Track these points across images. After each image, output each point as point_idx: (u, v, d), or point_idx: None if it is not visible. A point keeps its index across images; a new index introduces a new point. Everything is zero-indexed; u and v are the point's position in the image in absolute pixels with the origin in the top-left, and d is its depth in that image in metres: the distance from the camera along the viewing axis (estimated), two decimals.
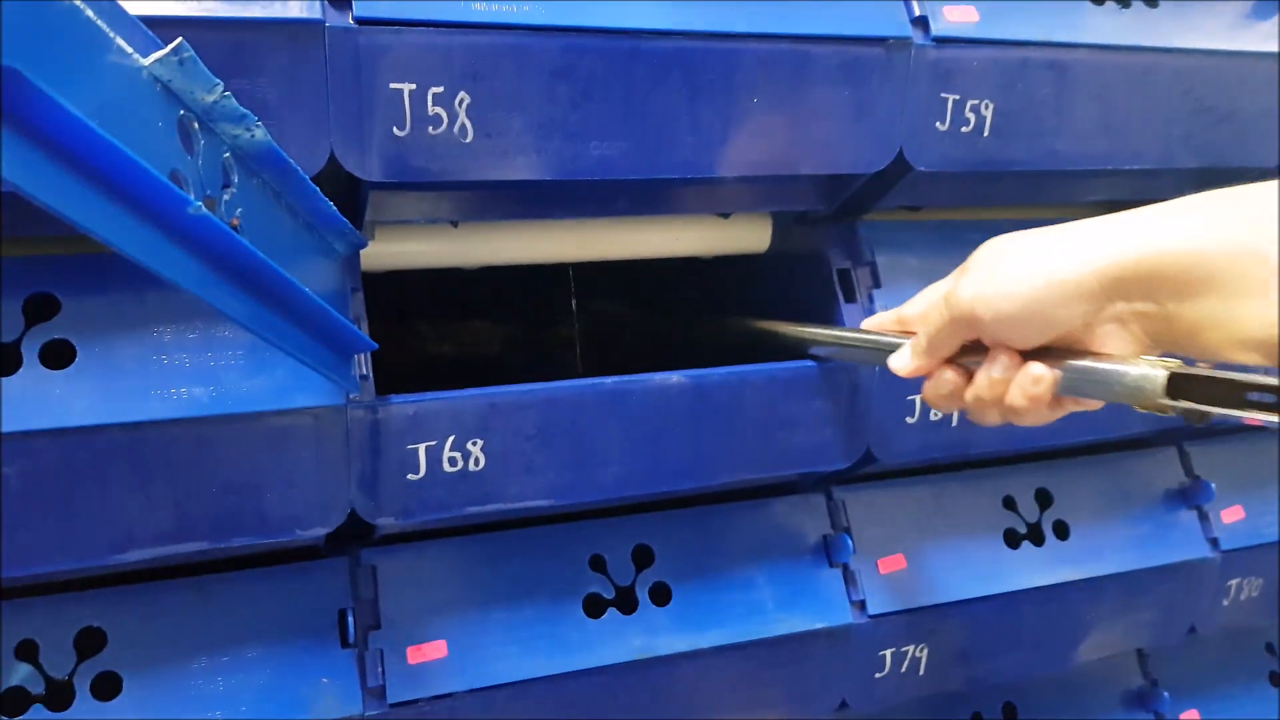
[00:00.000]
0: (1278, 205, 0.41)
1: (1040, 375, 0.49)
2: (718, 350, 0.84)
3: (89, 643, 0.57)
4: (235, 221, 0.43)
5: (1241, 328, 0.42)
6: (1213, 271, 0.42)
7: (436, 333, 0.93)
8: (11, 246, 0.53)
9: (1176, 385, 0.45)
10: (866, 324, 0.62)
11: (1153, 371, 0.46)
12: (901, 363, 0.55)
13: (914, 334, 0.56)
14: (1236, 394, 0.43)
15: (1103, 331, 0.47)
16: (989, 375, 0.50)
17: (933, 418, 0.71)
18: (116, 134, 0.32)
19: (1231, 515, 0.85)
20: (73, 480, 0.51)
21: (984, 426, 0.53)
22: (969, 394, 0.52)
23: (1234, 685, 0.93)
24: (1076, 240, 0.47)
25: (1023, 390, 0.49)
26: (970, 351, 0.52)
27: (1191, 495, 0.84)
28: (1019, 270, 0.48)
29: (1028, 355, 0.49)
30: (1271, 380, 0.42)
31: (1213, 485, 0.83)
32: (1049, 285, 0.46)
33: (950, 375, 0.53)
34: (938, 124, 0.64)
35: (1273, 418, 0.42)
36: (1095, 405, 0.51)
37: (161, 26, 0.45)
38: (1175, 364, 0.46)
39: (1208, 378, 0.44)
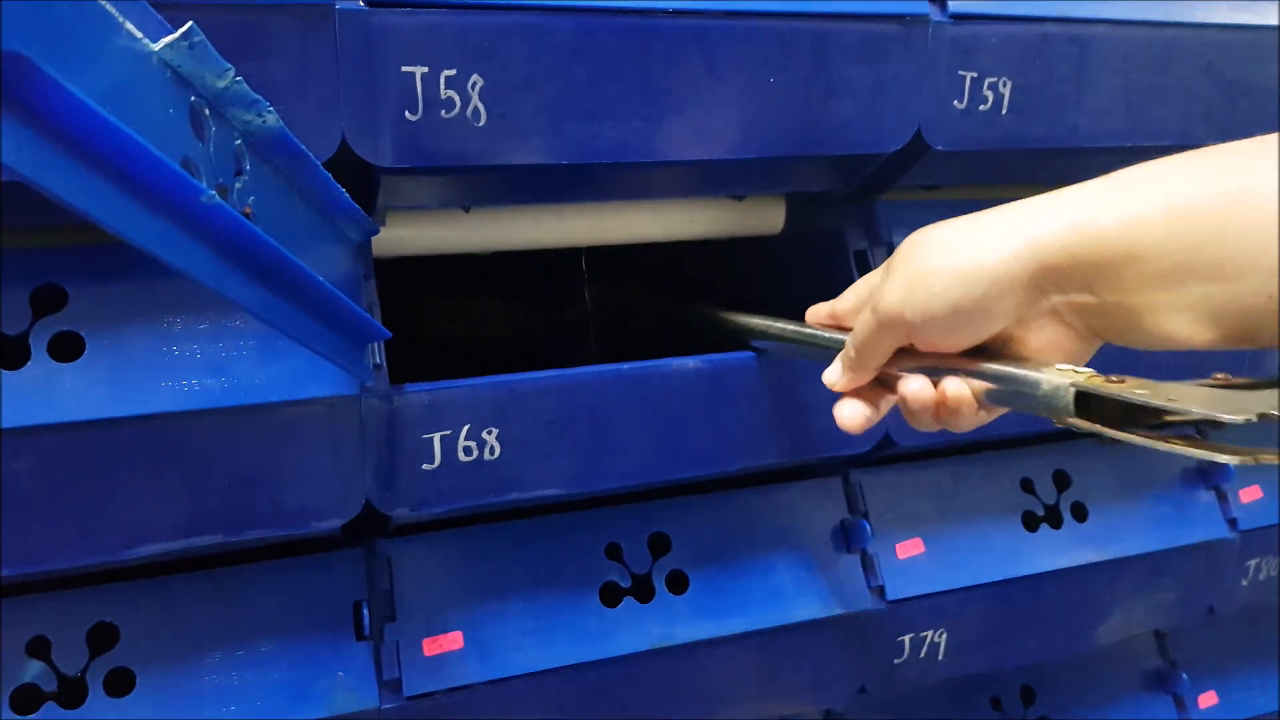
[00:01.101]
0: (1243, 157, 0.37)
1: (959, 396, 0.46)
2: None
3: (101, 639, 0.57)
4: (248, 210, 0.42)
5: (1205, 301, 0.37)
6: (1162, 241, 0.37)
7: (448, 316, 0.92)
8: (17, 237, 0.52)
9: (1086, 402, 0.40)
10: (810, 313, 0.58)
11: (1061, 381, 0.41)
12: (833, 378, 0.52)
13: (849, 331, 0.53)
14: (1152, 418, 0.39)
15: (1037, 327, 0.44)
16: (909, 391, 0.48)
17: None
18: (127, 121, 0.31)
19: (1250, 495, 0.85)
20: (84, 475, 0.50)
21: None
22: (903, 406, 0.49)
23: (1253, 665, 0.93)
24: (998, 227, 0.43)
25: (948, 409, 0.47)
26: (905, 355, 0.49)
27: (1210, 475, 0.83)
28: (941, 266, 0.44)
29: (962, 354, 0.47)
30: (1193, 409, 0.37)
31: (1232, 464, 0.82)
32: (974, 281, 0.43)
33: (858, 406, 0.51)
34: (956, 102, 0.63)
35: (1188, 450, 0.37)
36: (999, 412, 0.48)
37: (169, 8, 0.44)
38: (1087, 375, 0.41)
39: (1119, 400, 0.39)
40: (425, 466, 0.57)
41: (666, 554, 0.68)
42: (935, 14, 0.61)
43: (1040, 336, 0.44)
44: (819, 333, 0.56)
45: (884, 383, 0.52)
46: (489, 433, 0.58)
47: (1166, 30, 0.68)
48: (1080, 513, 0.79)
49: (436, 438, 0.57)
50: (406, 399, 0.56)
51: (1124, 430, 0.40)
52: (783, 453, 0.66)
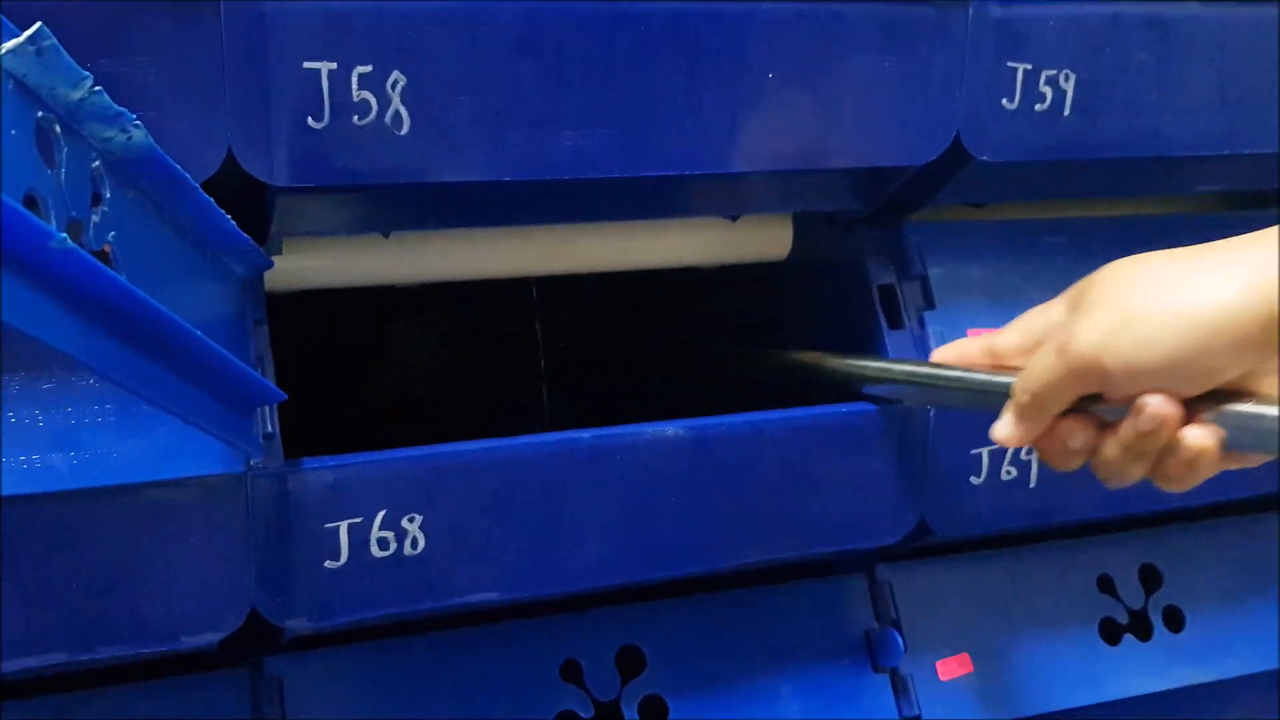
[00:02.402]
0: None
1: (1202, 446, 0.48)
2: (725, 388, 0.85)
3: None
4: (107, 248, 0.44)
5: None
6: None
7: (360, 367, 0.95)
8: None
9: None
10: (940, 354, 0.63)
11: None
12: (1006, 432, 0.55)
13: (1013, 371, 0.56)
14: None
15: (1272, 380, 0.48)
16: (1135, 430, 0.50)
17: (1004, 476, 0.72)
18: None
19: None
20: None
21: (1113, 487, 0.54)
22: (1106, 453, 0.52)
23: None
24: (1225, 263, 0.48)
25: (1180, 460, 0.50)
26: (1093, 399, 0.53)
27: None
28: (1157, 310, 0.48)
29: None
30: None
31: None
32: (1198, 331, 0.47)
33: (1078, 429, 0.53)
34: (1004, 101, 0.66)
35: None
36: (1258, 460, 0.51)
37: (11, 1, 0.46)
38: None
39: None
40: (328, 564, 0.59)
41: (640, 675, 0.70)
42: None
43: (1270, 390, 0.48)
44: (976, 376, 0.59)
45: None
46: (410, 520, 0.60)
47: (1270, 7, 0.71)
48: (1175, 619, 0.81)
49: (343, 527, 0.59)
50: (305, 478, 0.58)
51: None
52: (789, 544, 0.69)
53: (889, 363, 0.67)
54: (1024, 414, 0.54)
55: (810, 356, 0.72)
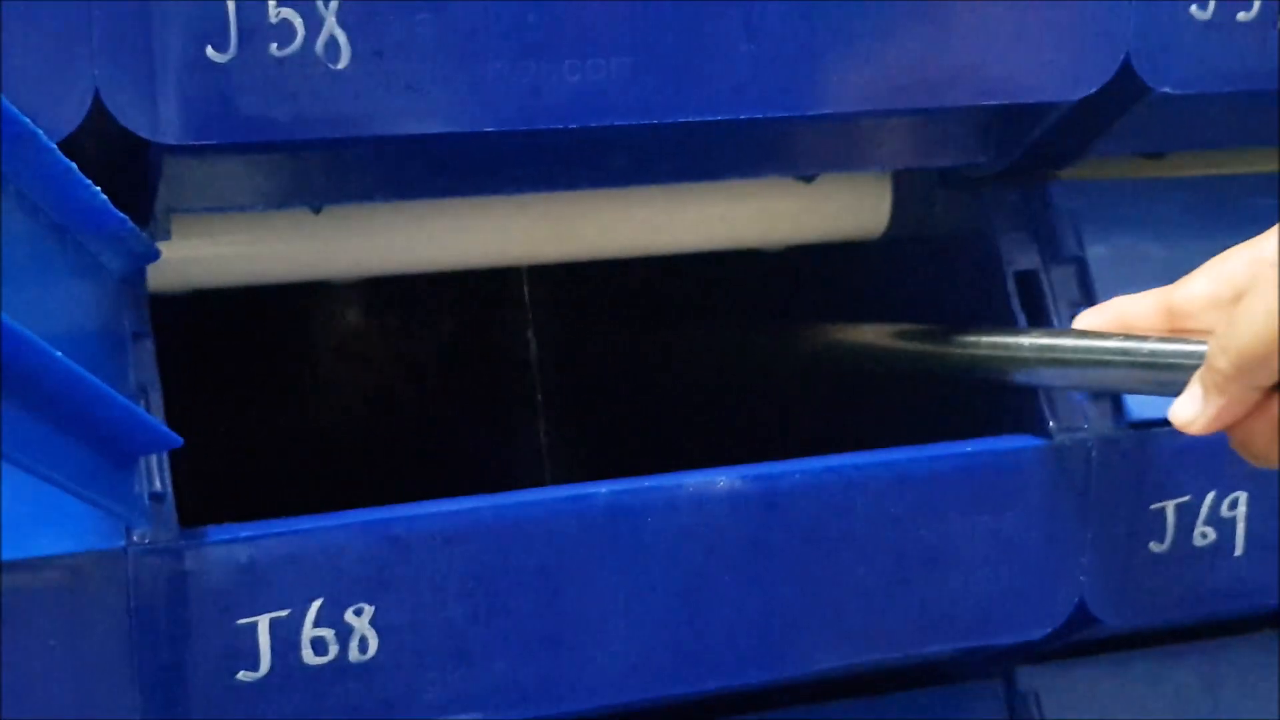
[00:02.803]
0: None
1: None
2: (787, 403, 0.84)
3: None
4: None
5: None
6: None
7: (284, 398, 0.95)
8: None
9: None
10: (1089, 319, 0.61)
11: None
12: (1191, 411, 0.54)
13: (1197, 335, 0.55)
14: None
15: None
16: None
17: (1199, 540, 0.72)
18: None
19: None
20: None
21: None
22: None
23: None
24: None
25: None
26: None
27: None
28: None
29: None
30: None
31: None
32: None
33: None
34: (1194, 9, 0.66)
35: None
36: None
37: None
38: None
39: None
40: (243, 676, 0.59)
41: None
42: None
43: None
44: (1148, 343, 0.57)
45: None
46: (358, 613, 0.60)
47: None
48: None
49: (263, 624, 0.59)
50: (208, 555, 0.58)
51: None
52: (892, 642, 0.68)
53: (1011, 335, 0.66)
54: (1221, 385, 0.53)
55: (863, 335, 0.72)
